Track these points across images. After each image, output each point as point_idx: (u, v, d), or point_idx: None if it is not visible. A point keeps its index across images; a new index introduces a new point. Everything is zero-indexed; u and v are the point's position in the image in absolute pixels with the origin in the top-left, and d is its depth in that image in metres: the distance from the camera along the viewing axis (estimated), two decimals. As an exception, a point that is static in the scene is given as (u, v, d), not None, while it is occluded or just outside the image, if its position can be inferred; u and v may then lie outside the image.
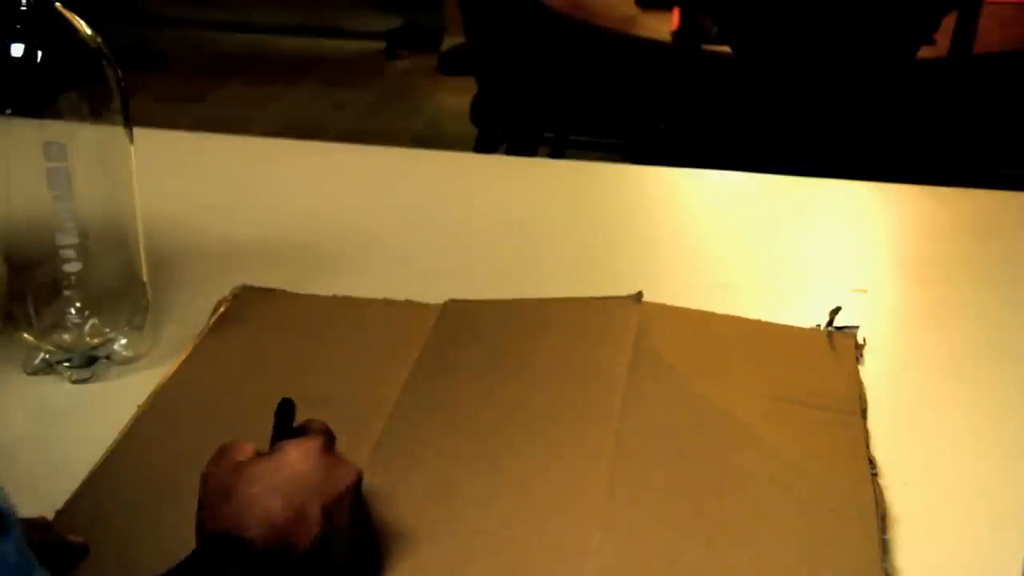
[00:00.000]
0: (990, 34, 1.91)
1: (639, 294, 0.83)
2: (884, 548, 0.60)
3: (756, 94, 1.95)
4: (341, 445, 0.68)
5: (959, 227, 1.03)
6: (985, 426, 0.73)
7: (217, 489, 0.54)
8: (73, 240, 0.73)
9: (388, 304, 0.85)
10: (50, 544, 0.59)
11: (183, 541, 0.53)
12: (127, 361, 0.78)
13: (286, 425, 0.58)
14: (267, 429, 0.70)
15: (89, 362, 0.76)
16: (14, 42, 0.69)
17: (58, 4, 0.71)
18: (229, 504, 0.53)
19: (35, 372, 0.76)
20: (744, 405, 0.72)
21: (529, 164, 1.41)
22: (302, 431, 0.58)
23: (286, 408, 0.59)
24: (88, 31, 0.72)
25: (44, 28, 0.70)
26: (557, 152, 2.55)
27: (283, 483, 0.53)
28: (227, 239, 0.96)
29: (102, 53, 0.72)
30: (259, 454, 0.56)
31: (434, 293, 0.85)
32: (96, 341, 0.76)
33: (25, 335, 0.76)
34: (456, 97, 3.27)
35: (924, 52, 1.89)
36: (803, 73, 1.89)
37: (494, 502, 0.63)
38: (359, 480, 0.56)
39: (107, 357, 0.77)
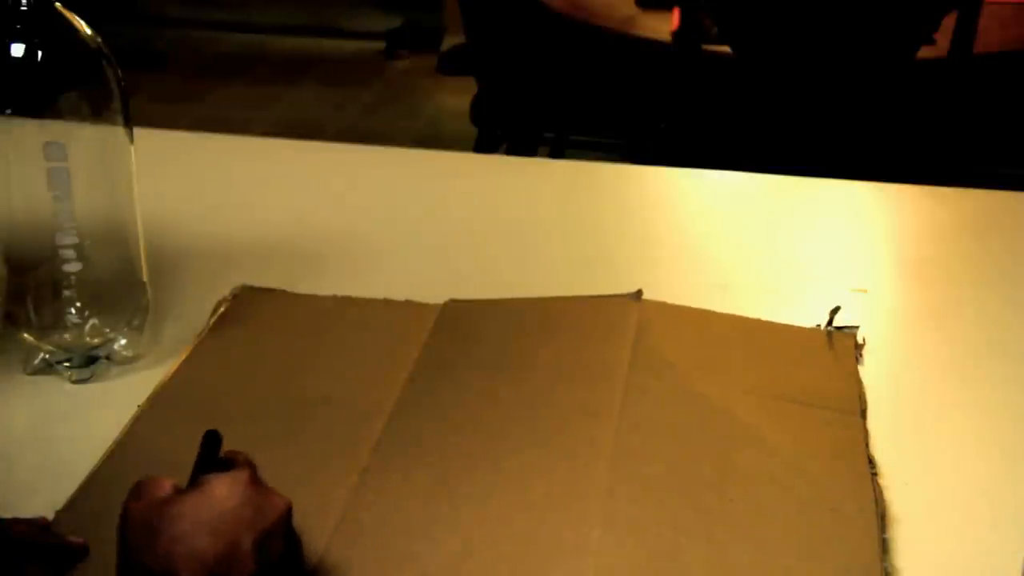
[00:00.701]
0: (990, 34, 1.92)
1: (639, 292, 0.83)
2: (884, 547, 0.60)
3: (756, 94, 1.95)
4: (341, 445, 0.68)
5: (959, 227, 1.03)
6: (985, 426, 0.73)
7: (140, 530, 0.51)
8: (73, 240, 0.73)
9: (388, 304, 0.85)
10: (50, 544, 0.59)
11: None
12: (127, 361, 0.78)
13: (211, 458, 0.55)
14: (267, 430, 0.70)
15: (89, 362, 0.76)
16: (14, 42, 0.70)
17: (58, 4, 0.71)
18: (155, 545, 0.50)
19: (35, 372, 0.76)
20: (744, 403, 0.72)
21: (529, 164, 1.41)
22: (225, 463, 0.55)
23: (211, 440, 0.55)
24: (88, 31, 0.72)
25: (44, 28, 0.70)
26: (557, 152, 2.55)
27: (212, 518, 0.51)
28: (227, 239, 0.96)
29: (102, 53, 0.72)
30: (178, 489, 0.53)
31: (434, 293, 0.85)
32: (96, 341, 0.76)
33: (25, 335, 0.76)
34: (456, 97, 3.27)
35: (924, 52, 1.89)
36: (803, 73, 1.89)
37: (494, 500, 0.63)
38: (289, 511, 0.54)
39: (107, 357, 0.77)
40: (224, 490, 0.52)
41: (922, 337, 0.84)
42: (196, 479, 0.54)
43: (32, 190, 0.72)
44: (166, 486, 0.53)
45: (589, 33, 2.12)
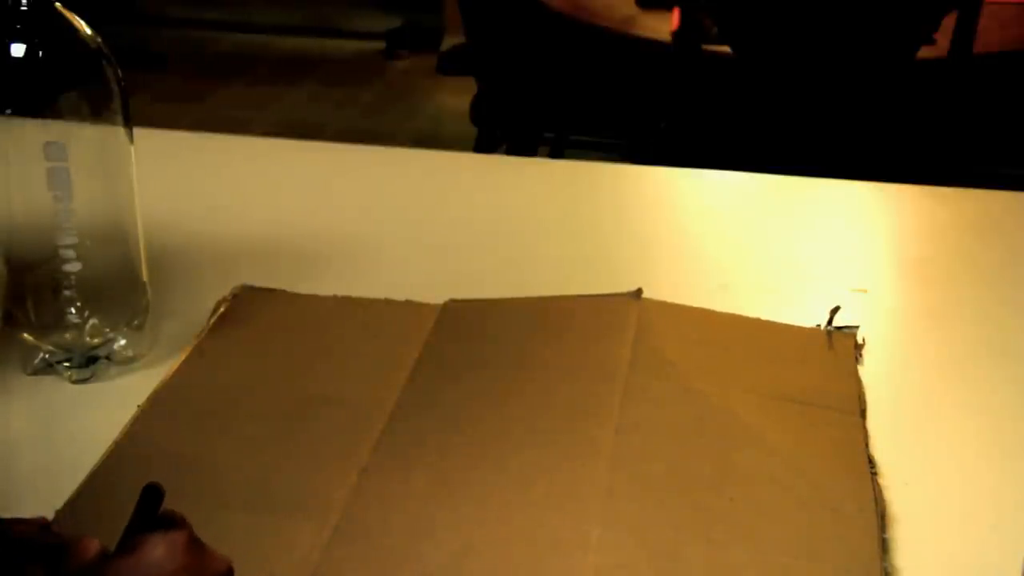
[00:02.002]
0: (990, 34, 1.92)
1: (639, 291, 0.83)
2: (884, 547, 0.60)
3: (756, 94, 1.95)
4: (341, 445, 0.68)
5: (959, 227, 1.03)
6: (985, 426, 0.73)
7: None
8: (73, 240, 0.73)
9: (388, 304, 0.85)
10: (50, 544, 0.59)
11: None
12: (127, 361, 0.78)
13: (149, 514, 0.51)
14: (267, 430, 0.70)
15: (89, 362, 0.76)
16: (14, 42, 0.70)
17: (58, 4, 0.71)
18: None
19: (35, 372, 0.76)
20: (744, 403, 0.72)
21: (529, 164, 1.41)
22: (161, 521, 0.51)
23: (151, 495, 0.51)
24: (88, 31, 0.72)
25: (44, 28, 0.70)
26: (557, 152, 2.55)
27: None
28: (227, 239, 0.96)
29: (102, 53, 0.72)
30: (105, 552, 0.49)
31: (434, 293, 0.85)
32: (96, 341, 0.76)
33: (25, 335, 0.76)
34: (456, 97, 3.27)
35: (924, 52, 1.90)
36: (803, 73, 1.89)
37: (494, 499, 0.63)
38: (231, 572, 0.52)
39: (107, 357, 0.77)
40: (161, 552, 0.49)
41: (922, 337, 0.84)
42: (130, 538, 0.50)
43: (32, 190, 0.72)
44: (93, 546, 0.49)
45: (589, 33, 2.12)
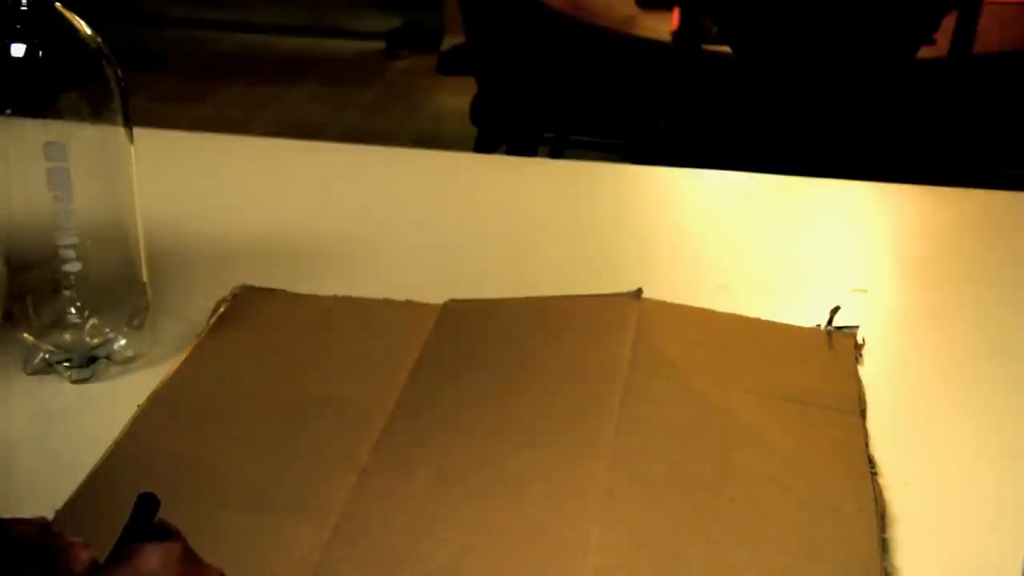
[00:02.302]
0: (990, 34, 1.92)
1: (639, 291, 0.83)
2: (884, 547, 0.60)
3: (756, 94, 1.95)
4: (341, 445, 0.68)
5: (960, 227, 1.03)
6: (985, 426, 0.73)
7: None
8: (73, 240, 0.73)
9: (388, 304, 0.85)
10: (50, 544, 0.59)
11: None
12: (127, 361, 0.78)
13: (144, 524, 0.49)
14: (267, 430, 0.70)
15: (89, 362, 0.76)
16: (14, 42, 0.70)
17: (58, 4, 0.71)
18: None
19: (35, 372, 0.77)
20: (744, 403, 0.72)
21: (529, 164, 1.41)
22: (156, 532, 0.49)
23: (146, 504, 0.49)
24: (88, 31, 0.72)
25: (44, 28, 0.70)
26: (557, 152, 2.55)
27: None
28: (227, 239, 0.96)
29: (102, 53, 0.72)
30: (95, 562, 0.48)
31: (434, 293, 0.85)
32: (96, 341, 0.76)
33: (25, 335, 0.76)
34: (456, 97, 3.28)
35: (924, 52, 1.90)
36: (803, 73, 1.89)
37: (494, 499, 0.63)
38: None
39: (107, 357, 0.77)
40: (154, 563, 0.47)
41: (922, 337, 0.84)
42: (123, 547, 0.49)
43: (32, 190, 0.72)
44: (83, 557, 0.48)
45: (589, 33, 2.12)
